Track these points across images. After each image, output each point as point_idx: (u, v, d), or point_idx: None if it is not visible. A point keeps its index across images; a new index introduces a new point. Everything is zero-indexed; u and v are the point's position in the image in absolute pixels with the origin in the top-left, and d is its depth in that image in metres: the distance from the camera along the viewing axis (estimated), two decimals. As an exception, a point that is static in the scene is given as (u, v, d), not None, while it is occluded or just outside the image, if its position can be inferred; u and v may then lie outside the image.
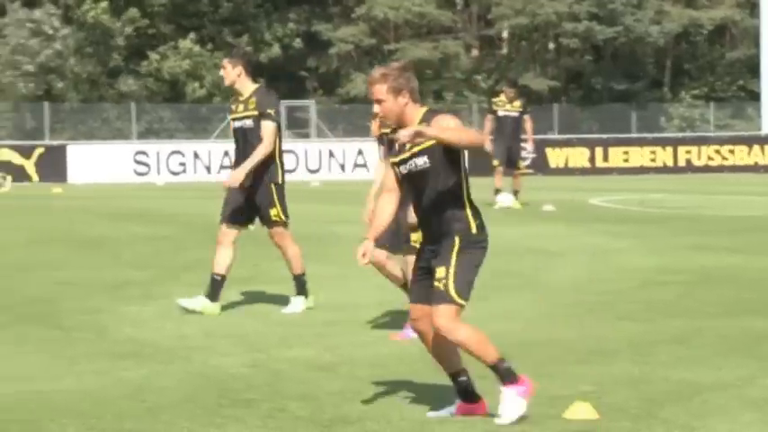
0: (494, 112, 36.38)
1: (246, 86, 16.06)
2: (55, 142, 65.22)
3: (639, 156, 64.10)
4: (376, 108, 11.83)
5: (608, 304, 17.41)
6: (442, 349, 10.30)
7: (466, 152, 10.21)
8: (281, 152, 16.38)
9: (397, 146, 10.20)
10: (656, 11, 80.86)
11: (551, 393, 11.07)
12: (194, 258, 22.28)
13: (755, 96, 72.98)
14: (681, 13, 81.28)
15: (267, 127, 15.72)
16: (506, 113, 35.83)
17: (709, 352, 13.50)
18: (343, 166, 59.94)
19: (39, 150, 61.84)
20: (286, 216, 16.08)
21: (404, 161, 10.13)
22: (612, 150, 64.16)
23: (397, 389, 11.69)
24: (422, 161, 10.00)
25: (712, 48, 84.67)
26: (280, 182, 16.12)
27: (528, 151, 37.88)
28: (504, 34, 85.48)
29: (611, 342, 14.28)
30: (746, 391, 11.50)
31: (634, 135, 69.09)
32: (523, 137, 36.77)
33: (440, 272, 9.98)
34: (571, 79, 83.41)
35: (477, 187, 12.91)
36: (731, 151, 64.77)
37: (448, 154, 10.04)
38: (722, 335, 14.62)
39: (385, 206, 10.52)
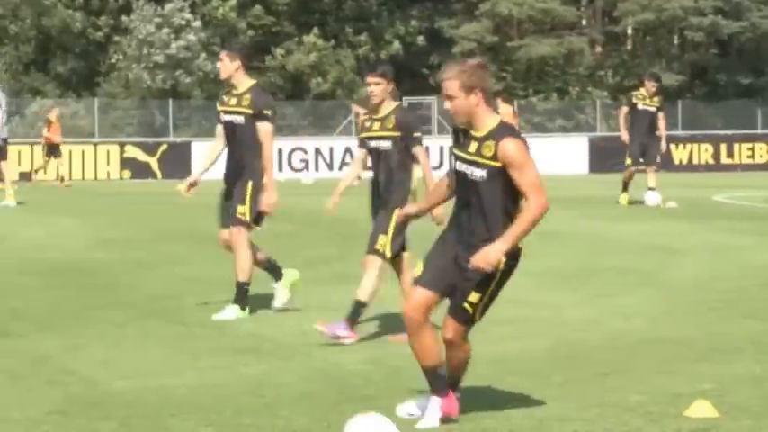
0: (633, 105, 36.05)
1: (243, 82, 15.58)
2: (179, 139, 65.78)
3: (764, 152, 63.62)
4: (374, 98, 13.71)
5: (731, 302, 17.31)
6: (438, 348, 10.25)
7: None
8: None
9: (461, 142, 10.02)
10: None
11: (672, 391, 11.05)
12: (315, 255, 22.41)
13: None
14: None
15: (266, 129, 15.23)
16: (645, 107, 35.51)
17: None
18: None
19: (162, 147, 62.38)
20: (251, 218, 15.31)
21: (458, 160, 9.95)
22: (737, 146, 63.78)
23: (517, 386, 11.69)
24: (479, 174, 9.72)
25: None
26: (258, 182, 15.36)
27: (661, 149, 37.58)
28: (629, 30, 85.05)
29: (733, 340, 14.22)
30: None
31: (759, 131, 68.52)
32: (657, 133, 36.36)
33: (474, 297, 9.87)
34: (696, 75, 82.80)
35: (607, 183, 12.88)
36: None
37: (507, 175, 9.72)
38: None
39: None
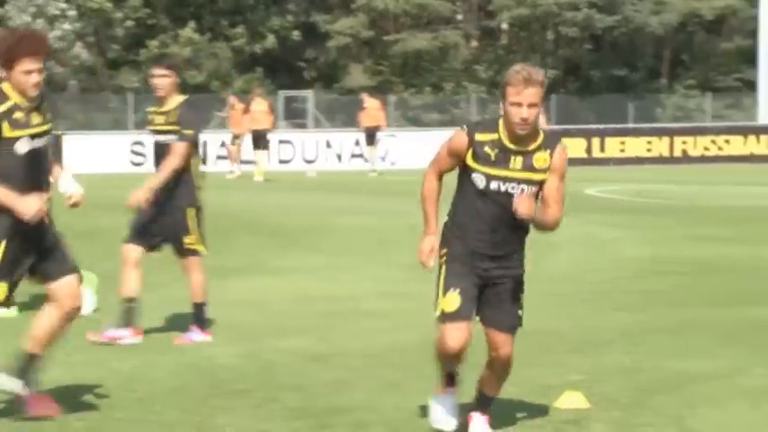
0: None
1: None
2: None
3: (636, 146, 64.21)
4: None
5: (602, 294, 17.50)
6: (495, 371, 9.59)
7: None
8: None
9: (492, 160, 8.90)
10: (655, 1, 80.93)
11: (543, 383, 11.15)
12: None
13: (752, 86, 73.07)
14: (681, 4, 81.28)
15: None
16: None
17: (703, 342, 13.55)
18: (339, 157, 59.37)
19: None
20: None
21: (508, 179, 8.86)
22: (609, 141, 64.27)
23: (390, 379, 11.71)
24: (532, 191, 8.87)
25: (710, 38, 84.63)
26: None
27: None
28: (504, 25, 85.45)
29: (604, 332, 14.35)
30: (738, 380, 11.57)
31: (631, 125, 69.13)
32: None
33: (519, 310, 9.40)
34: (569, 70, 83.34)
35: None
36: (727, 141, 64.84)
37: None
38: (716, 325, 14.68)
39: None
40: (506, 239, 9.07)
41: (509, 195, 8.69)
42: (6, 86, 10.11)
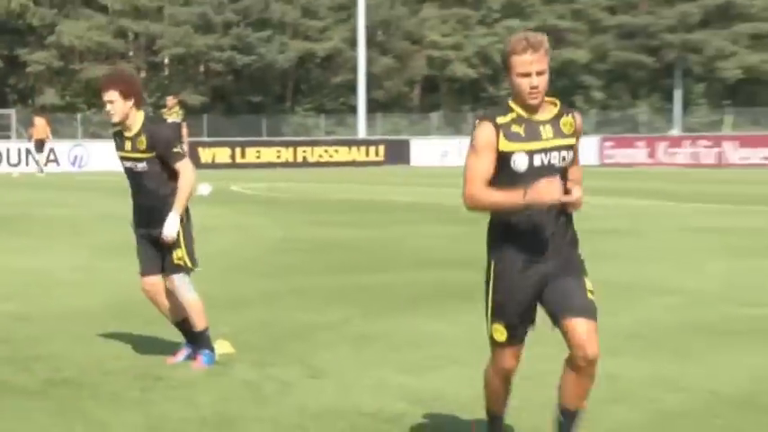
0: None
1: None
2: None
3: (268, 154, 64.86)
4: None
5: (247, 266, 17.48)
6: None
7: None
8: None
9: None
10: (281, 42, 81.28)
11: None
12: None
13: (353, 110, 74.28)
14: (300, 45, 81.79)
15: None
16: (173, 120, 35.56)
17: (320, 301, 13.61)
18: (37, 162, 58.30)
19: None
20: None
21: (547, 150, 6.41)
22: (248, 150, 64.78)
23: (79, 333, 11.49)
24: (569, 156, 6.51)
25: (322, 72, 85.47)
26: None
27: (185, 151, 37.99)
28: (166, 60, 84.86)
29: (248, 294, 14.36)
30: (345, 329, 11.66)
31: (264, 138, 69.70)
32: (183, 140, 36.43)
33: (589, 282, 6.55)
34: (217, 97, 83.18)
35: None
36: (336, 151, 66.11)
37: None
38: (330, 287, 14.79)
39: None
40: (560, 224, 6.50)
41: (553, 168, 6.34)
42: None
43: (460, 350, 10.55)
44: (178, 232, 9.92)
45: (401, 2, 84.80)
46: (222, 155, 63.81)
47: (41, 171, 54.20)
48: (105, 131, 72.63)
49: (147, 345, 10.88)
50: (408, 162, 66.33)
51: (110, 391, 9.06)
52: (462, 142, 69.49)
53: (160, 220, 9.87)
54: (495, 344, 6.72)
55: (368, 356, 10.33)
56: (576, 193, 6.28)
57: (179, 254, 9.99)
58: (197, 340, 10.13)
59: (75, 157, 61.78)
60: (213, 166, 60.69)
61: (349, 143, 67.79)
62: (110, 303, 13.61)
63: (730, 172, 54.14)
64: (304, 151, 65.95)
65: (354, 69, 73.58)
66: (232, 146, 64.93)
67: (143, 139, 9.65)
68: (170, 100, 37.25)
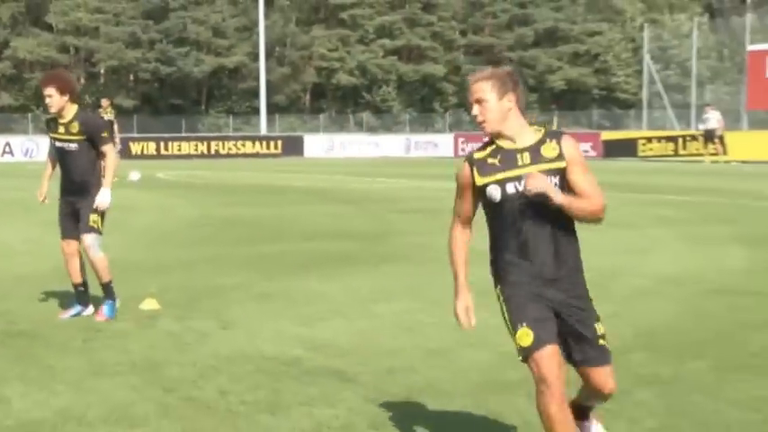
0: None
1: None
2: None
3: (187, 147, 64.19)
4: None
5: (168, 238, 17.35)
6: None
7: None
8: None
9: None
10: (196, 58, 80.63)
11: (131, 294, 10.97)
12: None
13: (257, 111, 73.77)
14: (212, 59, 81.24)
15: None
16: (109, 117, 35.02)
17: (230, 266, 13.59)
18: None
19: None
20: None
21: (522, 177, 5.15)
22: (171, 144, 64.11)
23: (33, 293, 11.34)
24: (554, 182, 5.20)
25: (231, 81, 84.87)
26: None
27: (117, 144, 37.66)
28: (102, 70, 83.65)
29: (168, 261, 14.23)
30: (250, 289, 11.64)
31: (184, 134, 69.04)
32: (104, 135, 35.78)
33: (600, 328, 5.29)
34: (145, 100, 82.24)
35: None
36: (243, 145, 65.51)
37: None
38: (238, 256, 14.76)
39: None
40: (555, 252, 5.21)
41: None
42: None
43: (343, 305, 10.61)
44: (92, 197, 10.03)
45: (294, 22, 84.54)
46: (149, 148, 63.05)
47: None
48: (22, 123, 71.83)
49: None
50: (302, 154, 66.02)
51: (58, 341, 8.97)
52: (345, 139, 69.69)
53: (81, 191, 10.07)
54: (527, 353, 5.10)
55: (269, 311, 10.33)
56: (559, 196, 5.06)
57: (94, 218, 10.06)
58: (103, 292, 10.20)
59: (27, 150, 60.84)
60: (142, 157, 59.98)
61: (253, 138, 67.24)
62: (56, 268, 13.41)
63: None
64: (216, 145, 65.32)
65: (257, 78, 73.12)
66: (157, 140, 64.22)
67: (76, 124, 9.93)
68: (104, 101, 36.73)
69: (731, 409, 6.67)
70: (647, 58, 64.48)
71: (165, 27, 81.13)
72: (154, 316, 10.04)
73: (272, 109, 75.73)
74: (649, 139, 55.48)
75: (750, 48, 55.91)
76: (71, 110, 9.98)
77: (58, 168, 10.34)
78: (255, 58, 74.68)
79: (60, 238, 10.32)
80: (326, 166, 48.80)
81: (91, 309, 10.28)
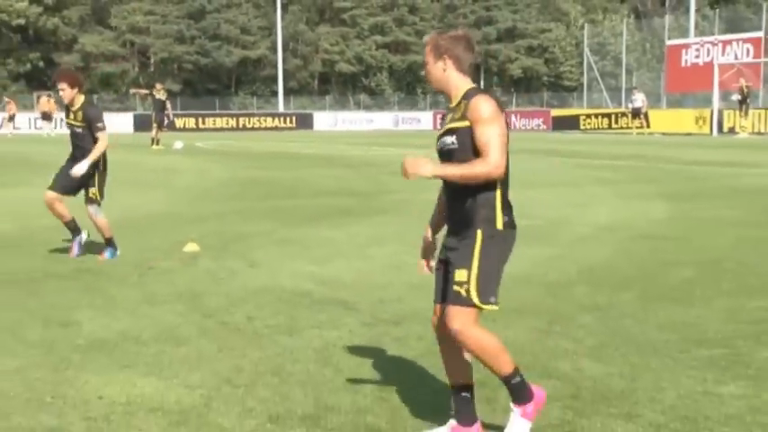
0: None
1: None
2: None
3: (220, 122, 64.05)
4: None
5: (207, 195, 17.26)
6: (454, 356, 4.59)
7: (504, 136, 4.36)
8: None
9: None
10: (227, 50, 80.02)
11: (176, 239, 10.92)
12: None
13: (275, 93, 73.32)
14: (239, 52, 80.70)
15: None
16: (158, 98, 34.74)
17: (255, 217, 13.52)
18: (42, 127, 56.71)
19: None
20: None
21: (439, 137, 4.47)
22: (207, 119, 63.93)
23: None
24: (450, 140, 4.37)
25: (255, 69, 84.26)
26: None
27: (171, 118, 37.88)
28: (152, 60, 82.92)
29: (206, 213, 14.14)
30: (271, 236, 11.60)
31: (217, 111, 68.68)
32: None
33: (460, 275, 4.32)
34: (187, 84, 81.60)
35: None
36: (264, 120, 65.51)
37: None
38: (261, 209, 14.66)
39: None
40: (452, 205, 4.47)
41: (441, 152, 4.42)
42: None
43: (345, 249, 10.58)
44: (92, 175, 10.10)
45: (304, 22, 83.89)
46: (190, 122, 62.79)
47: (50, 134, 52.61)
48: (112, 107, 71.34)
49: (142, 247, 10.70)
50: (312, 128, 65.78)
51: (118, 277, 8.94)
52: (346, 116, 69.48)
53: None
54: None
55: (287, 253, 10.28)
56: (428, 170, 4.20)
57: (93, 191, 10.16)
58: (106, 244, 10.20)
59: None
60: (184, 129, 59.78)
61: (272, 115, 66.94)
62: (114, 220, 13.35)
63: (517, 135, 54.76)
64: (243, 120, 65.06)
65: (275, 67, 72.73)
66: (196, 117, 63.97)
67: (80, 114, 9.98)
68: (158, 85, 36.57)
69: (654, 331, 6.67)
70: (586, 51, 64.34)
71: (203, 26, 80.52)
72: (194, 256, 9.97)
73: (288, 92, 75.44)
74: (589, 116, 55.39)
75: (668, 42, 55.99)
76: (79, 100, 10.01)
77: None
78: (274, 51, 74.35)
79: (47, 188, 10.25)
80: (331, 138, 48.65)
81: (85, 233, 10.48)
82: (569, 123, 56.01)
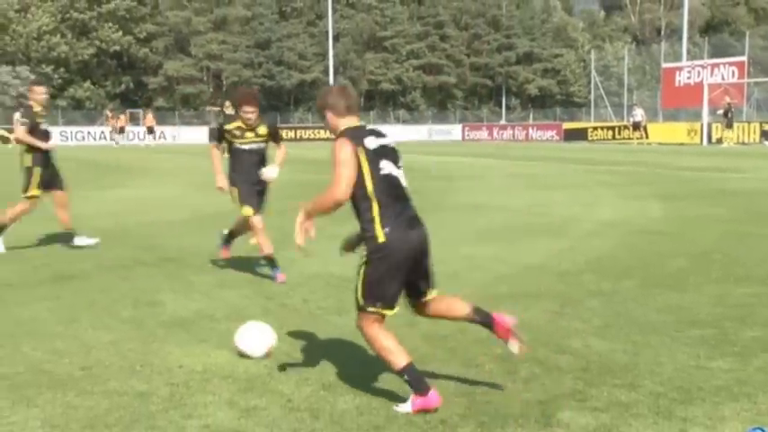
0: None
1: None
2: None
3: (283, 134, 63.90)
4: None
5: (270, 195, 17.23)
6: (442, 309, 4.73)
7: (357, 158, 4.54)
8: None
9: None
10: (288, 74, 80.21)
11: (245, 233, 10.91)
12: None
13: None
14: (297, 75, 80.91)
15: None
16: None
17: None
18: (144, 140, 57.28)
19: None
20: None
21: None
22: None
23: (182, 233, 11.33)
24: None
25: (310, 90, 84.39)
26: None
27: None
28: (225, 83, 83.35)
29: (269, 209, 14.17)
30: (323, 231, 11.49)
31: (280, 125, 68.39)
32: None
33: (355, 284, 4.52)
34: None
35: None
36: (319, 133, 65.12)
37: None
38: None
39: None
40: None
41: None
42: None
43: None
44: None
45: (353, 51, 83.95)
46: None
47: (149, 145, 53.29)
48: (191, 122, 71.82)
49: (215, 240, 10.73)
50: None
51: (195, 265, 8.98)
52: (388, 129, 69.33)
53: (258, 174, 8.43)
54: None
55: (337, 246, 10.23)
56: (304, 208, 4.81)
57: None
58: (269, 259, 8.41)
59: (173, 136, 61.33)
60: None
61: (325, 128, 66.94)
62: (193, 217, 13.43)
63: (533, 144, 54.34)
64: (300, 132, 65.30)
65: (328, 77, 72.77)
66: (261, 130, 64.21)
67: (262, 128, 8.39)
68: (227, 103, 36.47)
69: (653, 313, 6.56)
70: (593, 72, 63.72)
71: (269, 53, 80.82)
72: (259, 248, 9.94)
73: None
74: (595, 128, 54.80)
75: (664, 65, 55.43)
76: (258, 119, 8.35)
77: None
78: (326, 74, 74.40)
79: (252, 211, 8.65)
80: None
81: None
82: (579, 135, 55.45)
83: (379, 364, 5.22)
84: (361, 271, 4.45)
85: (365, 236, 4.49)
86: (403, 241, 4.41)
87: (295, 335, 5.99)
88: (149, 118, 54.99)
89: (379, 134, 4.63)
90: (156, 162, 30.84)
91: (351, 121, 4.70)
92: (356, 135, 4.56)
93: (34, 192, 10.02)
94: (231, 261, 9.13)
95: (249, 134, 8.39)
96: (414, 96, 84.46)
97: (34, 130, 9.93)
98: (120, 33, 73.66)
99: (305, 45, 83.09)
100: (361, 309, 4.45)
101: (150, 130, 54.53)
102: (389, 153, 4.56)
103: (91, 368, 5.18)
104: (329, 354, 5.48)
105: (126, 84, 76.22)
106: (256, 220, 8.47)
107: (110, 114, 56.77)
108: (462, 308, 4.67)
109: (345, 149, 4.52)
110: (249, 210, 8.33)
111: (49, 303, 7.04)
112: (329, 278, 8.06)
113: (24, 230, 11.11)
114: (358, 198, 4.51)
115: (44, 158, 10.05)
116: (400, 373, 4.41)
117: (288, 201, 16.10)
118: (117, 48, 73.79)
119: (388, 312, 4.45)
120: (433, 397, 4.35)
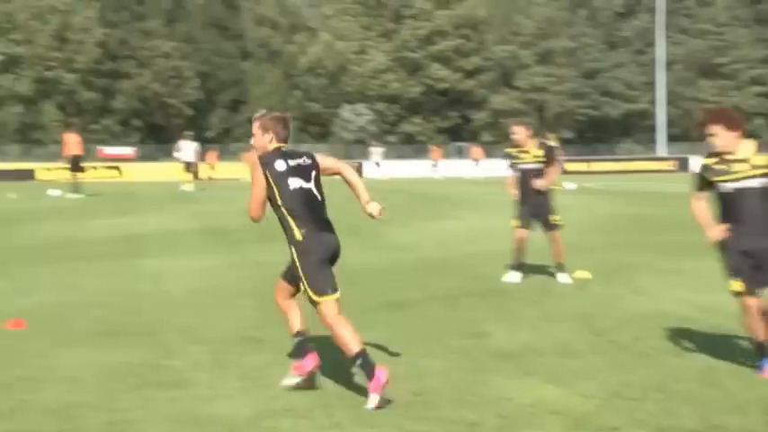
0: None
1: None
2: None
3: (606, 165, 62.19)
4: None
5: (595, 229, 16.65)
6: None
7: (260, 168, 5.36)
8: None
9: None
10: (614, 104, 78.43)
11: (570, 266, 10.73)
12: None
13: (654, 139, 70.47)
14: (624, 106, 78.80)
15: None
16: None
17: (636, 248, 12.87)
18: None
19: None
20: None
21: None
22: (595, 163, 62.35)
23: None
24: None
25: (639, 119, 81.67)
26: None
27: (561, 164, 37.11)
28: (550, 114, 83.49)
29: (594, 244, 13.70)
30: (651, 266, 10.92)
31: (604, 156, 67.01)
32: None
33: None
34: (580, 133, 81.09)
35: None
36: (646, 164, 62.55)
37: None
38: (640, 242, 13.88)
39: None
40: None
41: None
42: None
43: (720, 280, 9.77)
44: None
45: (685, 79, 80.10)
46: (581, 166, 60.54)
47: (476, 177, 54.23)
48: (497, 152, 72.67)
49: (537, 271, 10.66)
50: (687, 170, 62.25)
51: (519, 297, 8.99)
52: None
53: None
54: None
55: (669, 282, 9.72)
56: None
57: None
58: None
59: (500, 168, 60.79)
60: (575, 173, 58.52)
61: (653, 159, 64.21)
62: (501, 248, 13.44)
63: None
64: (626, 164, 62.76)
65: (654, 118, 69.95)
66: (586, 161, 62.52)
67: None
68: (549, 135, 36.21)
69: None
70: None
71: (595, 83, 79.83)
72: (585, 282, 9.81)
73: (670, 138, 72.05)
74: None
75: None
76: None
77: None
78: (653, 103, 71.70)
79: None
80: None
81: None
82: None
83: (724, 411, 4.86)
84: (300, 273, 5.27)
85: (288, 239, 5.32)
86: (318, 241, 5.30)
87: (625, 374, 5.79)
88: (475, 150, 56.95)
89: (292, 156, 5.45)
90: (481, 195, 31.60)
91: (273, 146, 5.50)
92: (262, 160, 5.42)
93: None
94: (557, 295, 9.07)
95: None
96: (757, 125, 78.48)
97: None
98: (449, 71, 77.13)
99: (633, 74, 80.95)
100: (317, 303, 5.25)
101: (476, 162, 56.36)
102: (301, 171, 5.41)
103: (423, 394, 5.40)
104: (663, 396, 5.22)
105: (452, 119, 79.41)
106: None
107: (433, 148, 59.44)
108: (296, 323, 5.53)
109: (256, 172, 5.39)
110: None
111: (385, 329, 7.45)
112: (663, 317, 7.69)
113: (356, 257, 11.92)
114: (272, 201, 5.37)
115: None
116: (353, 358, 5.15)
117: (614, 235, 15.67)
118: (446, 85, 77.31)
119: (336, 296, 5.27)
120: (380, 373, 5.09)
